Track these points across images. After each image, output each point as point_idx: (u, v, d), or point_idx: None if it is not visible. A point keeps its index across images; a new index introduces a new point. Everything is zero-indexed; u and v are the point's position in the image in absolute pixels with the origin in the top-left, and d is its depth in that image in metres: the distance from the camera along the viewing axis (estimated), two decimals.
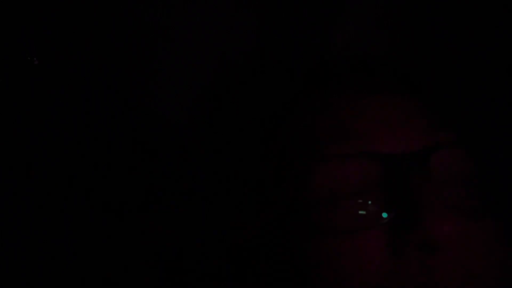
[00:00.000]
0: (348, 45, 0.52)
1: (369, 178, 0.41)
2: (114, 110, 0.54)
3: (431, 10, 0.53)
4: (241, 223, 0.46)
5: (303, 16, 0.54)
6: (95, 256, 0.54)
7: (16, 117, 0.54)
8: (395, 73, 0.48)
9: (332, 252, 0.40)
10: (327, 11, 0.53)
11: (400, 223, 0.39)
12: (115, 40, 0.54)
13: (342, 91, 0.46)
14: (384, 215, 0.40)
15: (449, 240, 0.38)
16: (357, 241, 0.39)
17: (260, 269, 0.44)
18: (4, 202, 0.54)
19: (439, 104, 0.46)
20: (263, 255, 0.44)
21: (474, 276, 0.39)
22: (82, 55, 0.53)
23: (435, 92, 0.48)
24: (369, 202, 0.41)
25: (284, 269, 0.42)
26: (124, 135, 0.55)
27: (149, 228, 0.55)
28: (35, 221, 0.55)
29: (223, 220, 0.49)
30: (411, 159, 0.40)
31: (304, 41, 0.53)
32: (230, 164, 0.50)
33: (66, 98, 0.54)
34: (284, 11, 0.54)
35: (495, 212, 0.42)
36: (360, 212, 0.40)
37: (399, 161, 0.41)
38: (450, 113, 0.46)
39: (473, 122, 0.47)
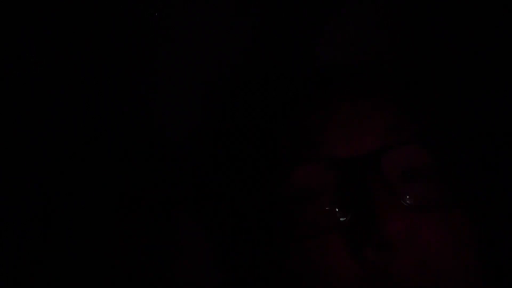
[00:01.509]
0: (342, 47, 0.52)
1: (327, 182, 0.43)
2: (113, 113, 0.54)
3: (428, 10, 0.53)
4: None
5: (298, 18, 0.54)
6: (94, 256, 0.54)
7: (16, 117, 0.54)
8: (371, 76, 0.49)
9: (295, 255, 0.42)
10: (322, 12, 0.54)
11: (357, 225, 0.41)
12: (111, 41, 0.54)
13: (313, 99, 0.47)
14: (342, 218, 0.42)
15: (401, 237, 0.40)
16: (318, 244, 0.42)
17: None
18: (4, 202, 0.54)
19: (403, 103, 0.47)
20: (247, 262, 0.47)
21: (434, 271, 0.41)
22: (83, 59, 0.54)
23: (408, 92, 0.49)
24: (328, 206, 0.43)
25: (260, 273, 0.45)
26: (124, 140, 0.55)
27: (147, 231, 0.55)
28: (34, 221, 0.55)
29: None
30: (362, 162, 0.42)
31: (299, 45, 0.54)
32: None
33: (67, 100, 0.54)
34: (280, 12, 0.54)
35: (458, 205, 0.44)
36: (319, 216, 0.43)
37: (352, 164, 0.42)
38: (413, 111, 0.47)
39: (436, 118, 0.48)
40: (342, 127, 0.45)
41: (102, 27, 0.53)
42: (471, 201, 0.45)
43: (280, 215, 0.44)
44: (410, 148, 0.44)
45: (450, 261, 0.42)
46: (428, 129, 0.46)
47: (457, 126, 0.49)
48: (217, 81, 0.54)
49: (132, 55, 0.54)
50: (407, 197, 0.42)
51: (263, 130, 0.48)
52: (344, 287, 0.41)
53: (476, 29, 0.53)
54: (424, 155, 0.44)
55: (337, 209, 0.42)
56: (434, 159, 0.44)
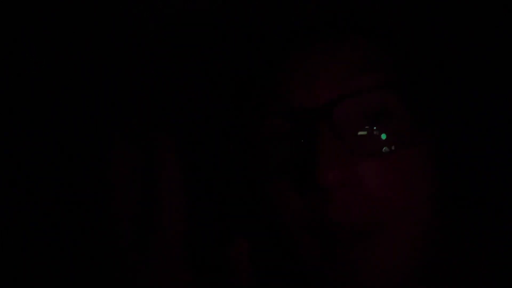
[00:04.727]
0: None
1: (285, 133, 0.46)
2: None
3: None
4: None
5: None
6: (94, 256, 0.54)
7: (16, 117, 0.54)
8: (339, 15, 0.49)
9: (261, 194, 0.48)
10: None
11: (303, 171, 0.44)
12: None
13: (272, 51, 0.49)
14: (293, 165, 0.46)
15: (336, 184, 0.43)
16: (275, 187, 0.47)
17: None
18: (4, 202, 0.54)
19: (364, 45, 0.47)
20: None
21: (375, 213, 0.44)
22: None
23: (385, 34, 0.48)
24: (284, 155, 0.46)
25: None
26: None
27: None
28: (34, 221, 0.55)
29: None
30: (314, 112, 0.44)
31: None
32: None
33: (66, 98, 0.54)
34: None
35: (414, 145, 0.45)
36: (276, 162, 0.47)
37: (304, 115, 0.44)
38: (375, 54, 0.46)
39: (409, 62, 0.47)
40: (299, 76, 0.46)
41: None
42: (429, 140, 0.46)
43: (249, 160, 0.49)
44: (369, 95, 0.45)
45: (396, 203, 0.44)
46: (390, 74, 0.46)
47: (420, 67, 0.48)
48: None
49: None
50: (359, 143, 0.44)
51: (232, 87, 0.51)
52: (294, 226, 0.46)
53: None
54: (383, 100, 0.45)
55: (290, 158, 0.46)
56: (394, 104, 0.45)
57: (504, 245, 0.50)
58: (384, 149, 0.44)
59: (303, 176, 0.44)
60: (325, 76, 0.45)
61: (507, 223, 0.51)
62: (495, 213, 0.52)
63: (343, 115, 0.44)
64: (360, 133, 0.45)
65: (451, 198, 0.49)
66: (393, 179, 0.44)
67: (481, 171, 0.53)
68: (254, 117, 0.48)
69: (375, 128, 0.45)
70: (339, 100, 0.44)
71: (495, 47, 0.50)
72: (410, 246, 0.45)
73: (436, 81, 0.48)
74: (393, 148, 0.44)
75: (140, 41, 0.53)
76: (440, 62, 0.49)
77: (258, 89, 0.48)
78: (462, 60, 0.51)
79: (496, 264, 0.50)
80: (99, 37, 0.53)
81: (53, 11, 0.53)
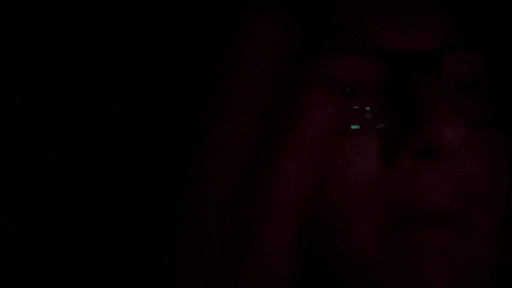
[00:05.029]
0: None
1: (371, 77, 0.38)
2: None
3: None
4: None
5: None
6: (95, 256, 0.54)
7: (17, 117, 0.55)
8: None
9: (327, 156, 0.37)
10: None
11: (399, 127, 0.36)
12: None
13: None
14: (384, 118, 0.37)
15: (451, 146, 0.35)
16: (350, 145, 0.37)
17: None
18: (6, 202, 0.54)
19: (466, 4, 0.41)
20: None
21: (469, 192, 0.37)
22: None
23: None
24: (369, 103, 0.38)
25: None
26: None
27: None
28: (36, 221, 0.55)
29: None
30: (421, 58, 0.37)
31: None
32: None
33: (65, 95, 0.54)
34: None
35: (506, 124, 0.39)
36: (357, 113, 0.37)
37: (408, 59, 0.37)
38: (475, 14, 0.41)
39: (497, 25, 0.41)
40: (398, 16, 0.38)
41: None
42: None
43: (313, 111, 0.36)
44: (471, 54, 0.38)
45: (488, 185, 0.38)
46: (495, 34, 0.40)
47: None
48: None
49: None
50: (463, 106, 0.37)
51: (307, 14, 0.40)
52: (367, 191, 0.36)
53: None
54: (483, 64, 0.39)
55: (378, 109, 0.37)
56: (493, 70, 0.39)
57: None
58: (488, 121, 0.38)
59: (406, 133, 0.36)
60: (424, 22, 0.38)
61: None
62: None
63: (451, 68, 0.37)
64: (464, 94, 0.38)
65: None
66: (488, 159, 0.38)
67: None
68: (325, 54, 0.38)
69: (479, 94, 0.39)
70: (450, 48, 0.37)
71: None
72: (490, 241, 0.38)
73: None
74: (494, 121, 0.39)
75: None
76: None
77: (323, 18, 0.39)
78: None
79: None
80: None
81: None
